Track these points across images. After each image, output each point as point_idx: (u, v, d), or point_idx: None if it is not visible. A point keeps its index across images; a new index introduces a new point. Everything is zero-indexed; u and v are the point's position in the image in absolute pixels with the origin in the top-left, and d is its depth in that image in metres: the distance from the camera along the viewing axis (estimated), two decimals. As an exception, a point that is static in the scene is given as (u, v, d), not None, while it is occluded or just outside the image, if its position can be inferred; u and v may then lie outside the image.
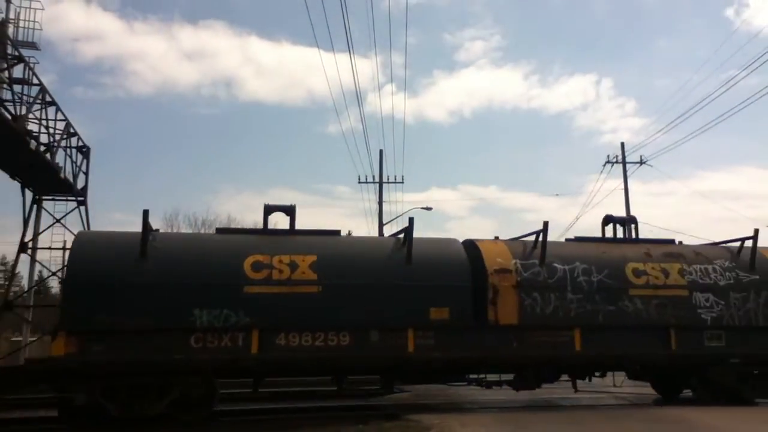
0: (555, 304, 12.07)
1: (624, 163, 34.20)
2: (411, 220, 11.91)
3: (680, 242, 14.38)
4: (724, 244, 14.32)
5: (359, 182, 34.38)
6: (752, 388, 12.85)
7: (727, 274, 13.24)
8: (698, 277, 13.04)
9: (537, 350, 11.86)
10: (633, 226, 14.59)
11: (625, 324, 12.33)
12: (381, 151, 34.30)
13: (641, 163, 34.07)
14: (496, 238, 13.53)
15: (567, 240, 14.21)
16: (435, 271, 11.82)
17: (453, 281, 11.80)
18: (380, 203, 33.85)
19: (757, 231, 13.59)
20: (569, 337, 12.06)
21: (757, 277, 13.33)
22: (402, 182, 34.46)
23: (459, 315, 11.56)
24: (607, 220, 14.19)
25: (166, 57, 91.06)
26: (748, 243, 13.73)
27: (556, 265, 12.42)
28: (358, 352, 11.10)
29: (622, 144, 34.71)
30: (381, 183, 33.95)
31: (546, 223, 12.55)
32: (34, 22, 19.75)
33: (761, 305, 13.09)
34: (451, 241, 12.91)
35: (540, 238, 12.57)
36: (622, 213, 33.59)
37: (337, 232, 12.61)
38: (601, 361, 12.70)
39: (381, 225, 33.77)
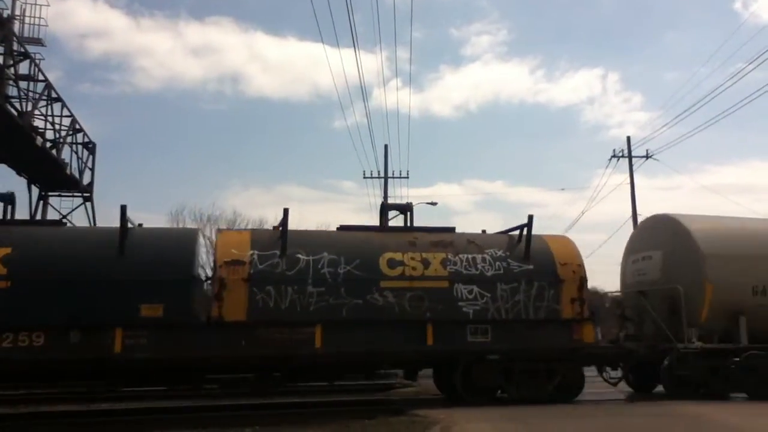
0: (292, 298, 11.10)
1: (630, 157, 34.04)
2: (123, 207, 11.01)
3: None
4: (511, 232, 13.42)
5: (364, 177, 34.39)
6: (516, 387, 11.99)
7: (497, 264, 12.23)
8: (463, 268, 12.02)
9: (270, 349, 10.89)
10: (409, 213, 13.63)
11: (374, 319, 11.39)
12: (386, 146, 34.11)
13: (647, 157, 33.91)
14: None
15: (339, 228, 13.27)
16: (149, 264, 10.83)
17: (168, 275, 10.78)
18: (385, 198, 33.80)
19: (530, 217, 12.65)
20: (309, 334, 11.07)
21: (531, 267, 12.33)
22: (407, 177, 34.48)
23: (176, 312, 10.64)
24: (384, 207, 13.52)
25: (173, 53, 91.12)
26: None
27: (299, 255, 11.45)
28: (54, 354, 10.19)
29: (628, 138, 34.55)
30: (386, 178, 33.91)
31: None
32: (40, 18, 19.81)
33: (533, 297, 12.09)
34: (182, 232, 12.06)
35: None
36: (628, 208, 33.57)
37: (56, 222, 12.28)
38: (347, 360, 11.63)
39: (386, 220, 33.72)
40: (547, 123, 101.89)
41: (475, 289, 11.92)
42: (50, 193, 21.48)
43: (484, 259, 12.23)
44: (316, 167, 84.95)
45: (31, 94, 17.89)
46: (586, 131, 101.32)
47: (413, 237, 12.53)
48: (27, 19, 19.68)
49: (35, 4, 19.78)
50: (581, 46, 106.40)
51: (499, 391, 12.23)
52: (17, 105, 16.96)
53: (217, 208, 72.49)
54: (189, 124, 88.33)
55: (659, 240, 14.62)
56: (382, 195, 33.89)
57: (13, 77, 16.96)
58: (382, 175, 33.93)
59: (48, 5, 20.05)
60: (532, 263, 12.37)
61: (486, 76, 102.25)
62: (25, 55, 17.74)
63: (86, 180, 21.76)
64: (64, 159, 19.98)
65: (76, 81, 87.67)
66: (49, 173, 19.90)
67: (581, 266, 12.68)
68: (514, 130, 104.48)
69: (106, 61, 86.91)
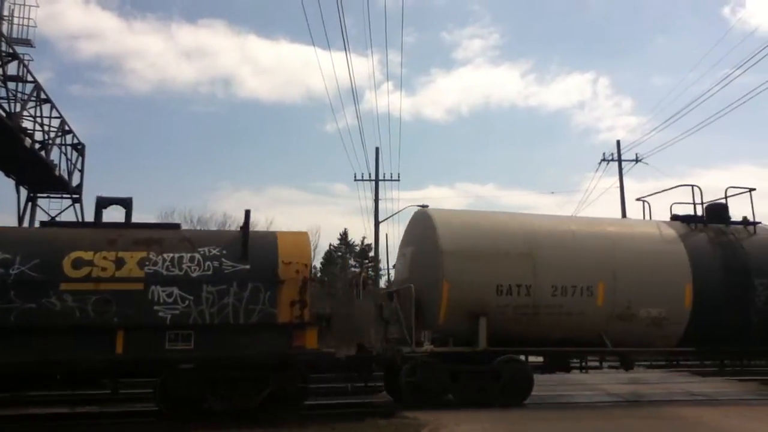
0: None
1: (620, 160, 34.27)
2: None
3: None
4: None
5: (355, 180, 34.43)
6: (221, 397, 10.80)
7: (207, 263, 11.05)
8: (164, 269, 10.87)
9: None
10: (127, 209, 12.14)
11: (50, 325, 10.24)
12: (377, 149, 34.21)
13: (637, 161, 34.17)
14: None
15: (42, 224, 12.50)
16: None
17: None
18: (376, 201, 33.87)
19: (247, 213, 11.72)
20: None
21: (248, 267, 11.15)
22: (398, 180, 34.56)
23: None
24: (101, 202, 11.92)
25: (165, 55, 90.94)
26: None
27: None
28: None
29: (618, 142, 34.81)
30: (377, 181, 33.98)
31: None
32: (29, 19, 19.71)
33: (245, 300, 10.93)
34: None
35: None
36: (618, 211, 33.74)
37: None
38: (16, 370, 10.32)
39: (377, 222, 33.81)
40: (538, 127, 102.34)
41: (176, 291, 10.78)
42: (39, 195, 21.32)
43: (192, 259, 11.09)
44: (307, 170, 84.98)
45: (19, 95, 17.77)
46: (576, 135, 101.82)
47: (117, 234, 11.26)
48: (16, 20, 19.61)
49: (24, 5, 19.70)
50: (572, 50, 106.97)
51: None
52: (6, 106, 16.85)
53: (208, 210, 72.28)
54: (180, 126, 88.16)
55: (414, 236, 13.68)
56: (374, 197, 33.94)
57: (1, 78, 16.85)
58: (373, 177, 33.99)
59: (37, 6, 19.99)
60: (251, 263, 11.20)
61: (477, 80, 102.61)
62: (14, 56, 17.63)
63: (75, 181, 21.62)
64: (53, 160, 19.85)
65: (67, 83, 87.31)
66: (38, 174, 19.75)
67: (308, 266, 11.45)
68: (505, 133, 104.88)
69: (97, 63, 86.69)
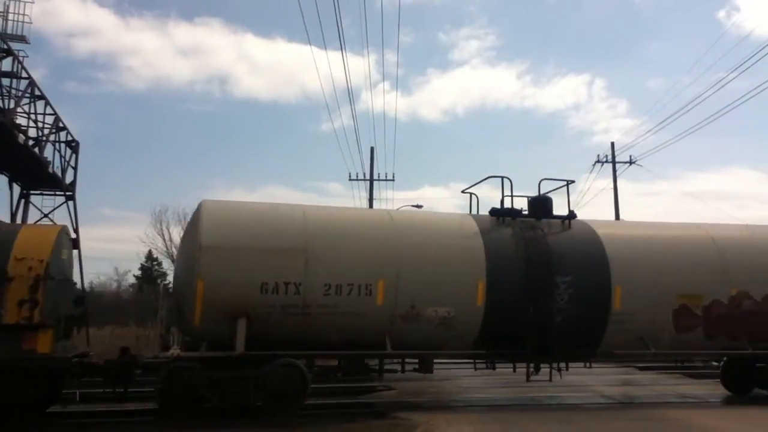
0: None
1: (614, 162, 34.34)
2: None
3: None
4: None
5: (350, 179, 34.39)
6: None
7: None
8: None
9: None
10: None
11: None
12: (372, 149, 34.15)
13: (630, 163, 34.23)
14: None
15: None
16: None
17: None
18: (370, 201, 33.82)
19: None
20: None
21: None
22: (393, 180, 34.54)
23: None
24: None
25: (161, 53, 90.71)
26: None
27: None
28: None
29: (612, 144, 34.87)
30: (371, 180, 33.93)
31: None
32: (24, 15, 19.60)
33: None
34: None
35: None
36: (612, 213, 33.81)
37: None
38: None
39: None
40: (534, 128, 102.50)
41: None
42: (32, 192, 21.20)
43: None
44: (302, 169, 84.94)
45: (13, 91, 17.68)
46: (572, 137, 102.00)
47: None
48: (11, 16, 19.50)
49: (19, 1, 19.60)
50: (568, 51, 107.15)
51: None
52: (0, 102, 16.76)
53: (202, 208, 72.08)
54: (175, 124, 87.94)
55: (187, 230, 12.60)
56: (368, 197, 33.92)
57: (-5, 74, 16.76)
58: (368, 177, 33.96)
59: (33, 2, 19.88)
60: None
61: (474, 81, 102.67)
62: (8, 52, 17.53)
63: (69, 179, 21.50)
64: (46, 157, 19.73)
65: (62, 79, 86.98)
66: (31, 171, 19.63)
67: (44, 262, 10.60)
68: (501, 134, 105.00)
69: (93, 60, 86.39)
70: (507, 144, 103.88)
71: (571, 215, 13.36)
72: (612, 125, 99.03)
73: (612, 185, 34.18)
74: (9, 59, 17.74)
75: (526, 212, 13.31)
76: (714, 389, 15.49)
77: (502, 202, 13.09)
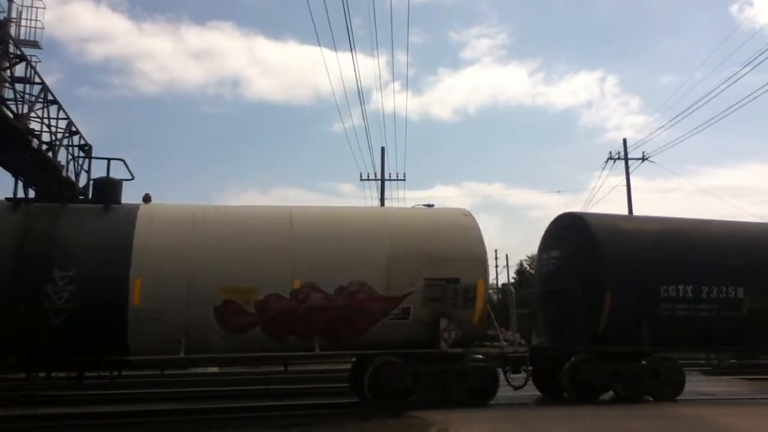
0: None
1: (626, 159, 34.12)
2: None
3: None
4: None
5: (361, 180, 34.44)
6: None
7: None
8: None
9: None
10: None
11: None
12: (383, 149, 34.20)
13: (643, 159, 34.00)
14: None
15: None
16: None
17: None
18: (382, 200, 33.86)
19: None
20: None
21: None
22: (404, 179, 34.56)
23: None
24: None
25: (174, 57, 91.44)
26: None
27: None
28: None
29: (624, 140, 34.64)
30: (383, 180, 33.98)
31: None
32: (36, 20, 19.75)
33: None
34: None
35: None
36: (625, 209, 33.58)
37: None
38: None
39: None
40: (546, 126, 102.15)
41: None
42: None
43: None
44: (314, 170, 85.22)
45: (27, 96, 17.84)
46: (584, 134, 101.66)
47: None
48: (24, 22, 19.64)
49: (32, 7, 19.75)
50: (580, 48, 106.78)
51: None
52: (13, 107, 16.93)
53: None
54: (188, 127, 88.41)
55: None
56: (380, 197, 33.96)
57: (9, 80, 16.92)
58: (379, 177, 33.99)
59: (44, 8, 20.02)
60: None
61: (485, 79, 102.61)
62: (21, 58, 17.69)
63: (82, 182, 21.69)
64: (60, 161, 19.93)
65: (77, 84, 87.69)
66: (46, 175, 19.84)
67: None
68: (512, 132, 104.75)
69: (107, 65, 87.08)
70: (519, 142, 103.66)
71: (111, 200, 11.70)
72: (624, 122, 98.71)
73: (625, 182, 34.01)
74: (22, 65, 17.92)
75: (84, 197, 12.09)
76: (728, 386, 15.40)
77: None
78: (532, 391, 13.63)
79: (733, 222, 15.44)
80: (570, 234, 13.90)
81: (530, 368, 12.82)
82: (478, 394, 11.74)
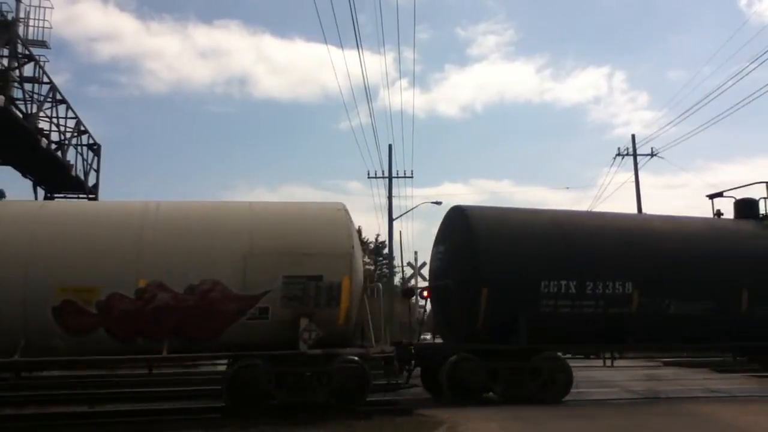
0: None
1: (635, 155, 34.03)
2: None
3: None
4: None
5: (368, 177, 34.45)
6: None
7: None
8: None
9: None
10: None
11: None
12: (390, 146, 34.31)
13: (652, 155, 33.88)
14: None
15: None
16: None
17: None
18: (390, 198, 33.91)
19: None
20: None
21: None
22: (411, 177, 34.56)
23: None
24: None
25: (181, 56, 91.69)
26: None
27: None
28: None
29: (633, 136, 34.59)
30: (390, 178, 34.01)
31: None
32: (44, 20, 19.85)
33: None
34: None
35: None
36: (634, 206, 33.44)
37: None
38: None
39: (391, 220, 33.84)
40: (554, 122, 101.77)
41: None
42: (56, 195, 21.53)
43: None
44: (322, 168, 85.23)
45: (35, 96, 17.94)
46: (592, 130, 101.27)
47: None
48: (32, 22, 19.75)
49: (39, 7, 19.84)
50: (588, 44, 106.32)
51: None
52: (22, 107, 17.02)
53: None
54: (196, 126, 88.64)
55: None
56: (387, 194, 33.94)
57: (18, 79, 17.02)
58: (386, 175, 33.97)
59: (52, 8, 20.11)
60: None
61: (492, 76, 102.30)
62: (30, 58, 17.79)
63: (91, 181, 21.82)
64: (69, 160, 20.03)
65: (85, 84, 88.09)
66: (55, 175, 19.96)
67: None
68: (520, 129, 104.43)
69: (115, 64, 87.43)
70: (527, 138, 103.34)
71: None
72: (632, 118, 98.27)
73: (633, 178, 33.87)
74: (31, 65, 18.00)
75: None
76: (743, 384, 15.28)
77: None
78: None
79: (633, 215, 14.84)
80: (453, 228, 13.27)
81: (412, 367, 12.37)
82: (346, 396, 10.98)
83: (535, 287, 12.21)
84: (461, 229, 12.82)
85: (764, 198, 14.89)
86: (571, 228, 13.18)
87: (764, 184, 14.95)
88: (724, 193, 15.32)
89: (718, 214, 15.19)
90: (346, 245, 11.43)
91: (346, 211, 12.01)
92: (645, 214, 15.54)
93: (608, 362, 13.68)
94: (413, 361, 12.58)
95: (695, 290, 12.89)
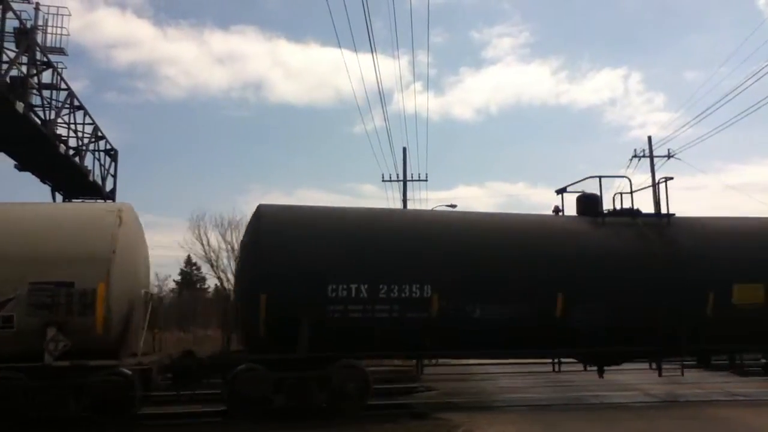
0: None
1: (651, 156, 33.72)
2: None
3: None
4: None
5: (383, 180, 34.42)
6: None
7: None
8: None
9: None
10: None
11: None
12: (404, 149, 34.10)
13: (669, 156, 33.54)
14: None
15: None
16: None
17: None
18: (404, 201, 33.79)
19: None
20: None
21: None
22: (426, 180, 34.43)
23: None
24: None
25: (198, 61, 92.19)
26: None
27: None
28: None
29: (649, 138, 34.23)
30: (405, 181, 33.90)
31: None
32: (62, 27, 20.04)
33: None
34: None
35: None
36: (651, 207, 33.09)
37: None
38: None
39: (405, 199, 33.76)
40: (570, 125, 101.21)
41: None
42: (74, 200, 21.72)
43: None
44: (336, 171, 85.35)
45: (53, 102, 18.11)
46: (608, 132, 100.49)
47: None
48: (50, 30, 19.96)
49: (57, 15, 20.05)
50: (604, 46, 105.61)
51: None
52: (41, 114, 17.20)
53: (237, 212, 72.95)
54: (212, 131, 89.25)
55: None
56: (402, 198, 33.90)
57: (36, 86, 17.19)
58: (401, 178, 33.93)
59: (69, 15, 20.32)
60: None
61: (507, 78, 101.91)
62: (48, 65, 17.96)
63: (108, 186, 21.98)
64: (86, 166, 20.21)
65: (103, 90, 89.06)
66: (72, 180, 20.14)
67: None
68: (535, 131, 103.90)
69: (132, 70, 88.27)
70: (542, 141, 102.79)
71: None
72: (649, 119, 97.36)
73: (650, 180, 33.55)
74: (49, 71, 18.19)
75: None
76: (762, 387, 15.04)
77: None
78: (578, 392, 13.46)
79: (441, 212, 13.73)
80: (248, 228, 12.45)
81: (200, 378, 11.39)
82: (109, 409, 10.13)
83: (321, 291, 11.20)
84: (251, 230, 12.05)
85: (620, 194, 13.65)
86: (364, 226, 12.26)
87: (597, 179, 13.49)
88: (568, 188, 13.84)
89: (556, 210, 13.89)
90: (104, 250, 10.71)
91: (124, 213, 11.34)
92: (471, 212, 14.26)
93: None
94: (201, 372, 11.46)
95: (507, 294, 11.77)
